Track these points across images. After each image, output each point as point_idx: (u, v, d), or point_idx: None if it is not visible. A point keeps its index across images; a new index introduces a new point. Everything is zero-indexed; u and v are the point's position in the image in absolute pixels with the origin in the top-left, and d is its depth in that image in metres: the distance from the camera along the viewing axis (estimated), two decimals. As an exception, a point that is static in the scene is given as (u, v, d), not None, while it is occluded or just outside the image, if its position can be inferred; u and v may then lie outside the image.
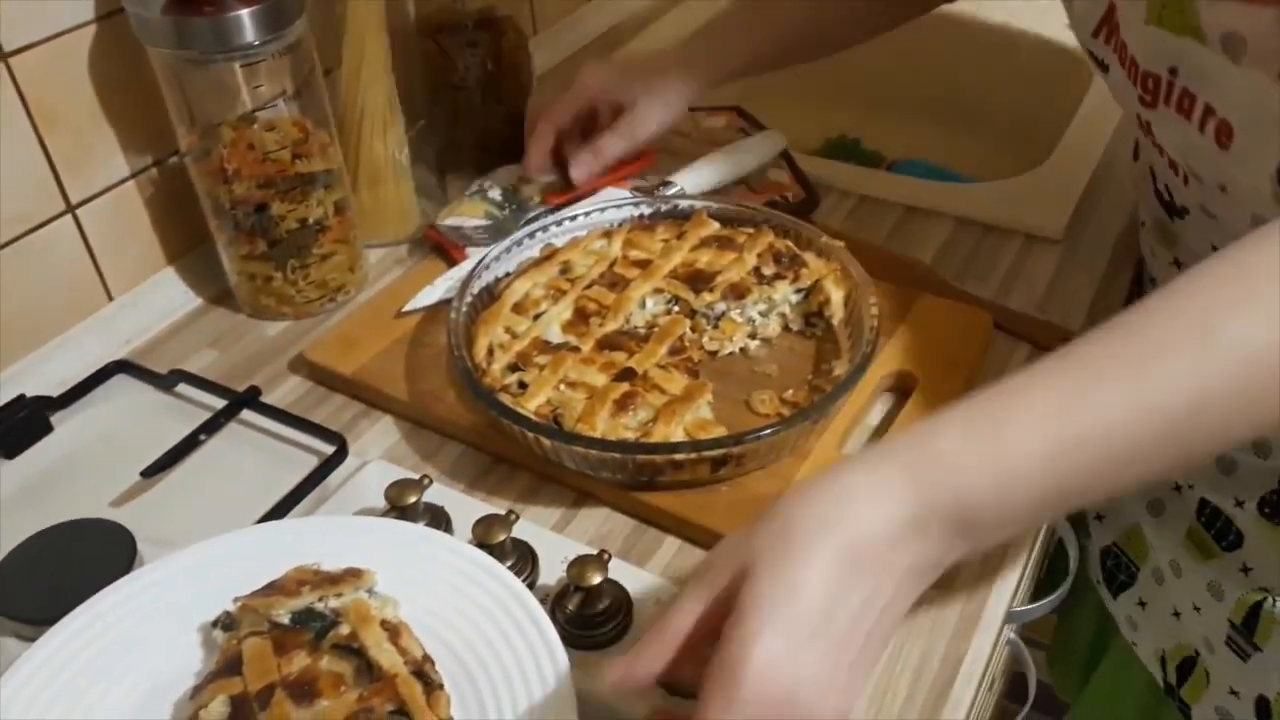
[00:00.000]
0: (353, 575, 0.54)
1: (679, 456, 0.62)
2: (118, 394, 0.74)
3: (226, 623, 0.54)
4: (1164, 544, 0.78)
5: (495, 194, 0.89)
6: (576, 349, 0.70)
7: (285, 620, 0.53)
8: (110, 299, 0.81)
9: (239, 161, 0.76)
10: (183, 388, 0.74)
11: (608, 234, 0.80)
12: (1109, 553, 0.86)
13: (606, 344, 0.70)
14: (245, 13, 0.71)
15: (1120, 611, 0.84)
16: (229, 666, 0.51)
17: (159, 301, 0.83)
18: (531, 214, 0.86)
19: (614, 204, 0.82)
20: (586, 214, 0.81)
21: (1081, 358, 0.44)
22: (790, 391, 0.70)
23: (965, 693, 0.56)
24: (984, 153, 1.23)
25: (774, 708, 0.40)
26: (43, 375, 0.75)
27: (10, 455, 0.69)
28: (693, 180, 0.89)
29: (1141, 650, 0.82)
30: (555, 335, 0.72)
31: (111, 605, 0.54)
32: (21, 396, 0.71)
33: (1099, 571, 0.87)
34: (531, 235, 0.79)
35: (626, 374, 0.67)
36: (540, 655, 0.51)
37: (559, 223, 0.80)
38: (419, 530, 0.59)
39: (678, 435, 0.64)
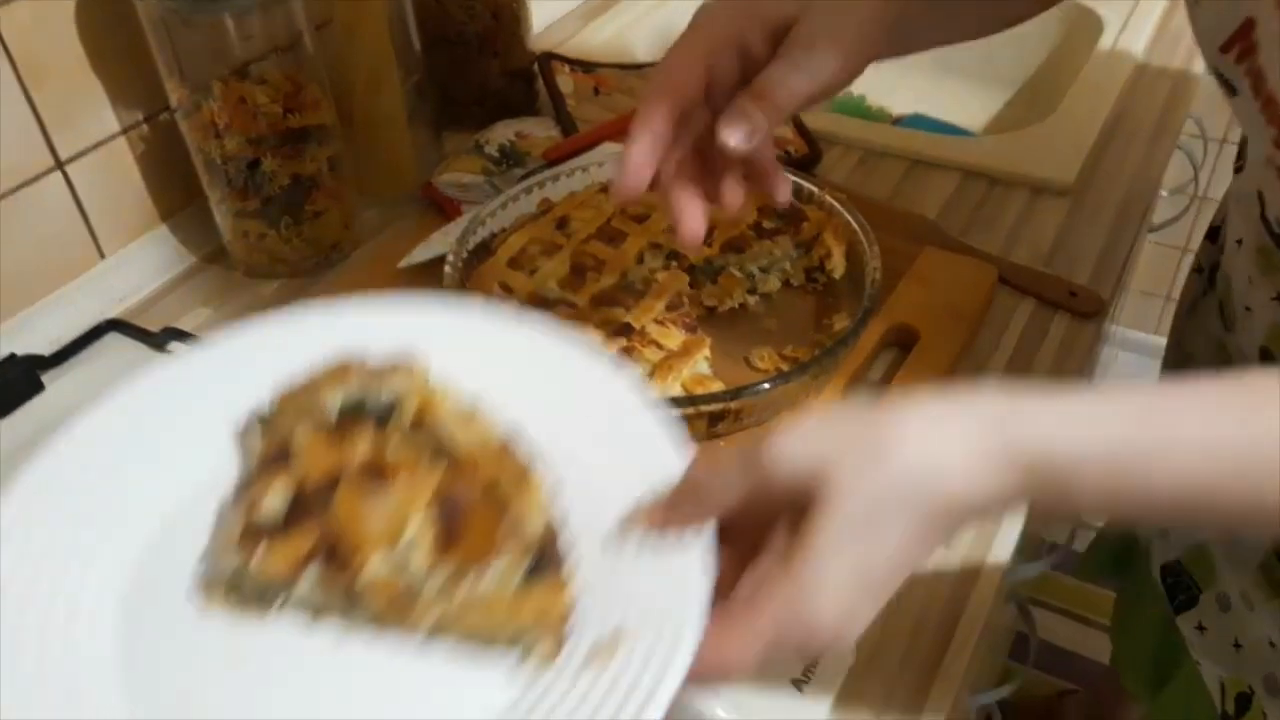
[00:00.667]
0: (402, 367, 0.49)
1: (675, 412, 0.61)
2: (110, 353, 0.73)
3: (264, 418, 0.48)
4: (1235, 573, 0.71)
5: (492, 150, 0.88)
6: (573, 305, 0.69)
7: (335, 413, 0.47)
8: (102, 257, 0.80)
9: (230, 116, 0.75)
10: (175, 346, 0.73)
11: (605, 188, 0.78)
12: (1170, 570, 0.78)
13: (603, 299, 0.69)
14: (232, -39, 0.69)
15: (1184, 629, 0.78)
16: (279, 454, 0.45)
17: (152, 259, 0.82)
18: (529, 169, 0.85)
19: (612, 158, 0.81)
20: (584, 169, 0.80)
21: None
22: (790, 347, 0.69)
23: (965, 644, 0.55)
24: (991, 109, 1.21)
25: (804, 639, 0.39)
26: (34, 334, 0.74)
27: (1, 414, 0.69)
28: (693, 135, 0.87)
29: (1205, 671, 0.76)
30: (552, 291, 0.71)
31: (132, 401, 0.50)
32: (12, 355, 0.71)
33: (1160, 586, 0.80)
34: (528, 190, 0.77)
35: (623, 329, 0.66)
36: (644, 449, 0.46)
37: (556, 178, 0.79)
38: (484, 309, 0.54)
39: (675, 391, 0.63)
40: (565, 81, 0.97)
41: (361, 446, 0.46)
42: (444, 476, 0.45)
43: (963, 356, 0.71)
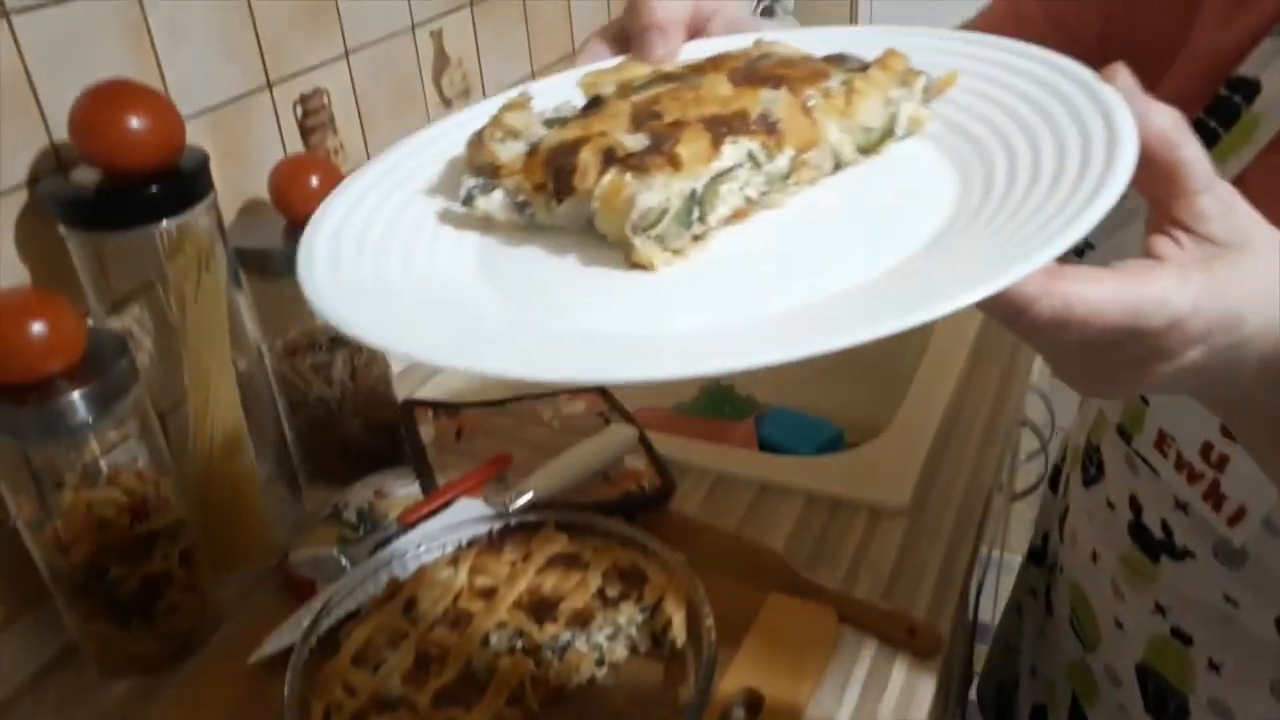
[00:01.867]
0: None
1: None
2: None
3: (483, 186, 0.45)
4: None
5: (350, 514, 0.89)
6: (414, 706, 0.69)
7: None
8: (-54, 673, 0.79)
9: (75, 532, 0.76)
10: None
11: (455, 560, 0.80)
12: None
13: (445, 696, 0.70)
14: (76, 398, 0.71)
15: None
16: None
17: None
18: (384, 536, 0.86)
19: (463, 524, 0.83)
20: (435, 538, 0.82)
21: None
22: (637, 724, 0.70)
23: None
24: (848, 391, 1.27)
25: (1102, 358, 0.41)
26: None
27: None
28: (547, 482, 0.90)
29: None
30: (394, 689, 0.71)
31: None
32: None
33: None
34: (375, 572, 0.79)
35: (462, 736, 0.66)
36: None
37: (404, 554, 0.81)
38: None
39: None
40: (428, 429, 1.00)
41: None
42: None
43: (810, 708, 0.72)
